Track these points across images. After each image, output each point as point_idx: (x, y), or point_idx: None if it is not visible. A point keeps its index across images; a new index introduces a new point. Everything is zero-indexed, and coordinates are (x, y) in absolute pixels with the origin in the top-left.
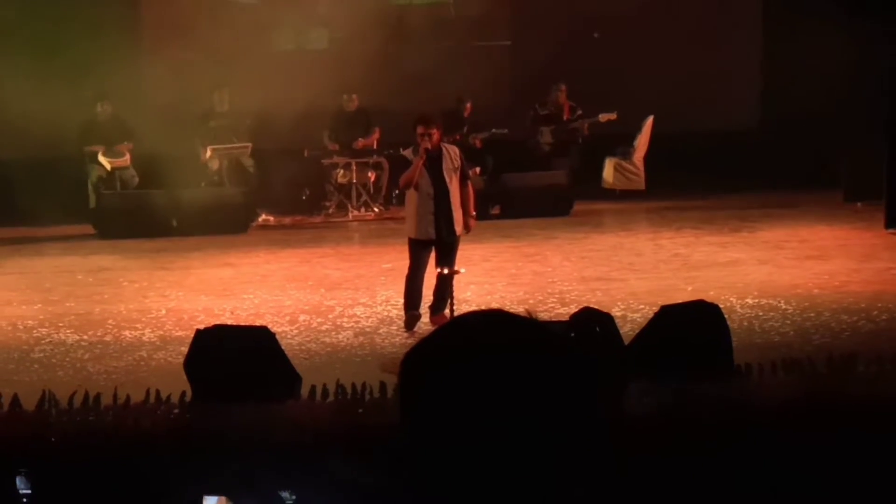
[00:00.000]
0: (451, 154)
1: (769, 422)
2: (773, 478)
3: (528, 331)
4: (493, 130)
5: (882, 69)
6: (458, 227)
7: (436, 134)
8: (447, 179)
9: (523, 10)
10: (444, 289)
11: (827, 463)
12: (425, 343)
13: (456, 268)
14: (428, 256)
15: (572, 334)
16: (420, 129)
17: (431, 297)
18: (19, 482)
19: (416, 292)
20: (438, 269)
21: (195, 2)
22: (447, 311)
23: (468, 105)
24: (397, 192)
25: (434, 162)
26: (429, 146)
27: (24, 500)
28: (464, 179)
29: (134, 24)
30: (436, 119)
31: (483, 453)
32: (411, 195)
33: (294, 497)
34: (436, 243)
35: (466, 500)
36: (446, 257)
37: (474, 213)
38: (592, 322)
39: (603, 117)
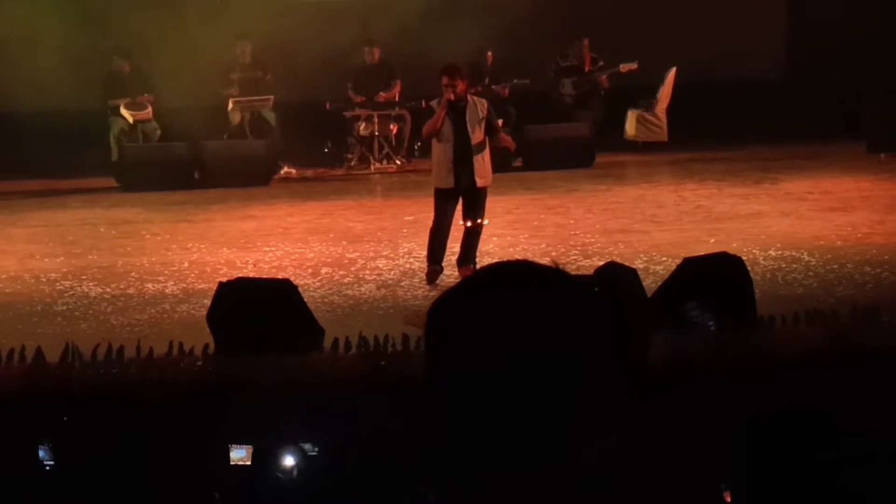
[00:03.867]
0: (478, 105)
1: (792, 370)
2: (795, 426)
3: (553, 280)
4: (516, 81)
5: None
6: (481, 179)
7: (460, 85)
8: (470, 130)
9: None
10: (471, 241)
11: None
12: (451, 293)
13: (484, 219)
14: (452, 209)
15: (596, 288)
16: (445, 80)
17: (458, 250)
18: (42, 453)
19: (439, 245)
20: (462, 222)
21: None
22: (472, 266)
23: (489, 55)
24: (419, 143)
25: (459, 112)
26: (451, 97)
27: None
28: (491, 131)
29: None
30: (461, 70)
31: (508, 400)
32: (435, 145)
33: (317, 449)
34: (460, 194)
35: (491, 447)
36: (471, 210)
37: (512, 145)
38: (616, 276)
39: (624, 67)
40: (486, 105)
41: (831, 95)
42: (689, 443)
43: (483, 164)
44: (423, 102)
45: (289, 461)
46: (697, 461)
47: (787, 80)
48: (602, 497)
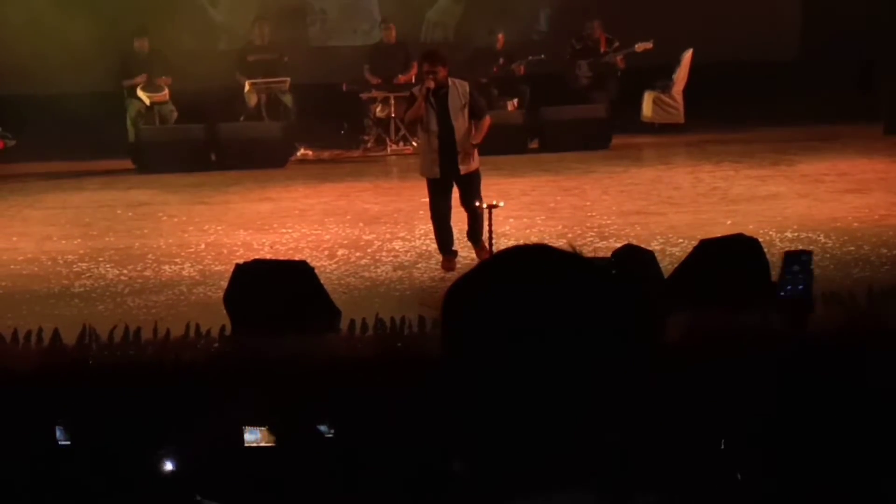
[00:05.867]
0: (459, 90)
1: (810, 351)
2: (810, 404)
3: (570, 263)
4: (530, 58)
5: None
6: (464, 167)
7: (441, 71)
8: (453, 117)
9: None
10: (475, 222)
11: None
12: (467, 277)
13: (483, 203)
14: (445, 196)
15: (614, 271)
16: (425, 67)
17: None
18: (59, 433)
19: (444, 233)
20: (463, 208)
21: None
22: (486, 244)
23: (500, 37)
24: (402, 129)
25: (441, 100)
26: (432, 85)
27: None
28: (477, 113)
29: None
30: (443, 57)
31: (526, 387)
32: (420, 134)
33: (333, 431)
34: (449, 181)
35: (509, 430)
36: (466, 196)
37: (476, 142)
38: (633, 258)
39: (639, 47)
40: (467, 89)
41: (847, 77)
42: (705, 422)
43: (467, 150)
44: (412, 89)
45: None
46: (713, 439)
47: (803, 60)
48: (626, 475)
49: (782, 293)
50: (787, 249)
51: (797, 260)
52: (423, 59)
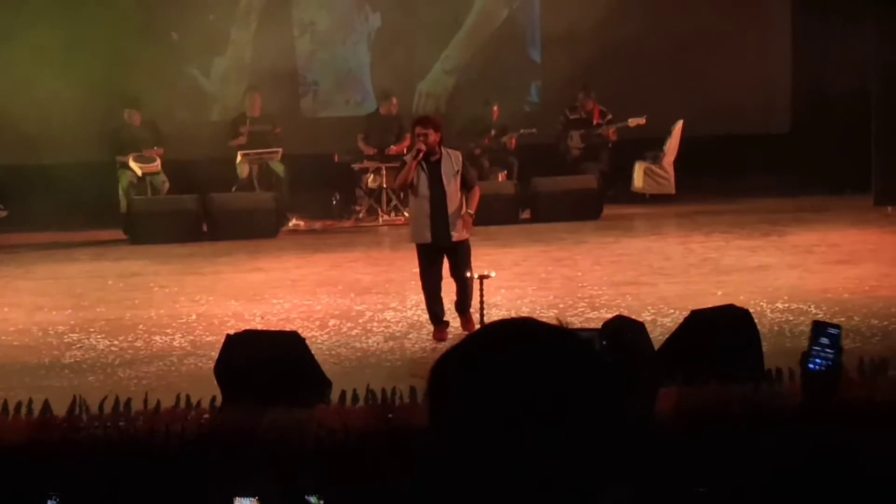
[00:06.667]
0: (452, 158)
1: (800, 423)
2: (800, 477)
3: (557, 338)
4: (522, 131)
5: None
6: (456, 234)
7: (432, 135)
8: (445, 183)
9: (553, 24)
10: (464, 292)
11: (855, 464)
12: (453, 351)
13: (473, 273)
14: (436, 263)
15: (603, 342)
16: (417, 130)
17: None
18: None
19: (435, 303)
20: (453, 277)
21: (226, 9)
22: (475, 314)
23: (495, 108)
24: (395, 194)
25: (433, 165)
26: (423, 147)
27: None
28: (467, 184)
29: (164, 30)
30: (434, 121)
31: (512, 458)
32: (412, 200)
33: (322, 501)
34: (440, 248)
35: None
36: (456, 266)
37: (472, 212)
38: (623, 330)
39: (632, 122)
40: (460, 158)
41: (837, 149)
42: (697, 494)
43: (458, 218)
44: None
45: None
46: None
47: (792, 133)
48: None
49: (812, 366)
50: (815, 319)
51: (825, 332)
52: (416, 123)
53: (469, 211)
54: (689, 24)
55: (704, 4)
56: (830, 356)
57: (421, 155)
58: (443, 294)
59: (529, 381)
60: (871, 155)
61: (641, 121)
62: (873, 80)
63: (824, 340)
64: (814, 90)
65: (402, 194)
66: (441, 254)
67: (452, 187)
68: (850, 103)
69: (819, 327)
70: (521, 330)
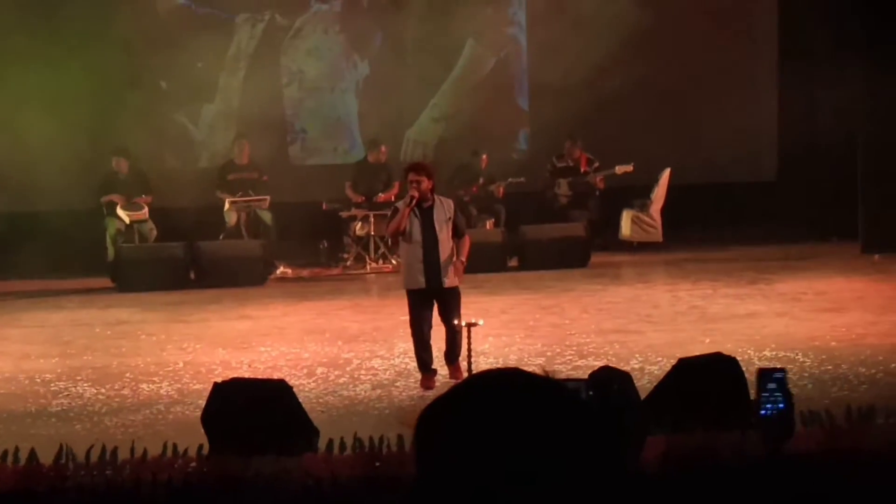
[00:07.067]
0: (445, 206)
1: (788, 473)
2: None
3: (544, 388)
4: (510, 179)
5: None
6: (448, 280)
7: (425, 182)
8: (438, 229)
9: (541, 72)
10: (453, 340)
11: None
12: (441, 400)
13: (462, 321)
14: (427, 309)
15: (590, 392)
16: (410, 176)
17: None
18: None
19: (423, 350)
20: (443, 324)
21: (215, 57)
22: (463, 362)
23: (484, 157)
24: (388, 241)
25: (425, 212)
26: (416, 193)
27: None
28: (458, 231)
29: (153, 78)
30: (427, 168)
31: None
32: (403, 246)
33: None
34: (432, 294)
35: None
36: (445, 312)
37: (464, 260)
38: (610, 380)
39: (619, 169)
40: (452, 206)
41: (824, 197)
42: None
43: (449, 264)
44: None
45: None
46: None
47: (779, 181)
48: None
49: (762, 412)
50: (759, 367)
51: (771, 378)
52: (409, 170)
53: (461, 259)
54: (677, 73)
55: (691, 54)
56: (780, 399)
57: (414, 201)
58: (432, 342)
59: (516, 431)
60: (857, 202)
61: (629, 168)
62: (859, 128)
63: (771, 385)
64: (800, 138)
65: (390, 241)
66: (432, 300)
67: (444, 234)
68: (837, 151)
69: (764, 374)
70: (507, 380)
